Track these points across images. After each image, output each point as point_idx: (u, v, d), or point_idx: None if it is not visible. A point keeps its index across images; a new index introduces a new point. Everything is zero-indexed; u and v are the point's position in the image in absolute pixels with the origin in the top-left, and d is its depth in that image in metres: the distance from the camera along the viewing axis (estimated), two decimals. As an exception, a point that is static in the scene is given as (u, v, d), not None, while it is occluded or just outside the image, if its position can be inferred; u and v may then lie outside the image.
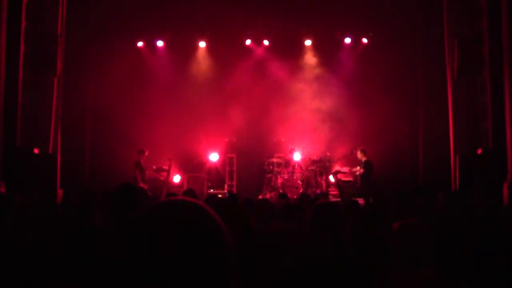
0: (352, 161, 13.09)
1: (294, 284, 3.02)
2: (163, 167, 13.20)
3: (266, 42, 15.04)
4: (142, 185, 12.02)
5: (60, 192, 10.91)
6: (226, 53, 14.75)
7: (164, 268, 1.07)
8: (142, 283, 1.07)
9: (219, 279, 1.11)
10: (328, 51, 15.04)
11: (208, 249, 1.11)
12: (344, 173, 13.33)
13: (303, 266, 3.00)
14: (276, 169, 13.61)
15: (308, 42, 15.18)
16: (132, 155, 12.76)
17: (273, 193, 12.75)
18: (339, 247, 2.99)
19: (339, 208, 3.41)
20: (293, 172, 13.28)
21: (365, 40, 14.94)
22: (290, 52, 15.03)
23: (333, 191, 12.66)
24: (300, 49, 15.25)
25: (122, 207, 3.56)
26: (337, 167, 13.53)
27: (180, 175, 14.21)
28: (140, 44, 14.99)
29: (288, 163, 13.58)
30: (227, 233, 1.16)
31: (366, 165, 12.08)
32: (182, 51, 15.03)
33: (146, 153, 12.61)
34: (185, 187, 13.33)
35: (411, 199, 6.28)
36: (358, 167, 12.36)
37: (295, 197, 11.17)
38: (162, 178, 13.27)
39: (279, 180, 13.28)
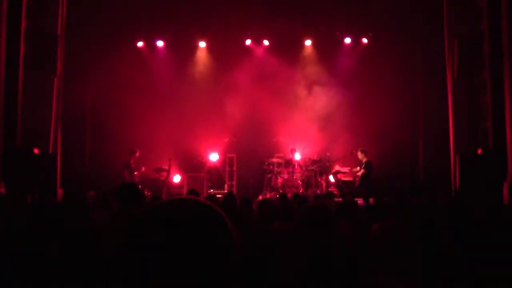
0: (352, 161, 13.08)
1: (295, 284, 3.02)
2: (163, 167, 13.20)
3: (266, 42, 15.04)
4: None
5: (60, 192, 10.91)
6: (226, 53, 14.74)
7: (170, 267, 1.06)
8: (147, 282, 1.06)
9: (226, 278, 1.10)
10: (328, 51, 15.04)
11: (215, 247, 1.09)
12: (344, 173, 13.35)
13: (302, 266, 2.99)
14: (276, 169, 13.59)
15: (308, 42, 15.19)
16: (132, 155, 12.74)
17: (273, 193, 12.74)
18: (328, 249, 2.98)
19: (328, 210, 3.39)
20: (293, 172, 13.27)
21: (365, 40, 14.94)
22: (290, 52, 15.03)
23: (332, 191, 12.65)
24: (300, 49, 15.25)
25: (126, 205, 3.57)
26: (337, 167, 13.54)
27: (180, 175, 14.20)
28: (140, 44, 14.98)
29: (289, 163, 13.57)
30: (235, 231, 1.15)
31: (367, 166, 12.07)
32: (182, 51, 15.03)
33: (137, 154, 12.44)
34: (185, 187, 13.34)
35: (411, 199, 6.27)
36: (358, 168, 12.35)
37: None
38: (162, 178, 13.27)
39: (279, 180, 13.28)
